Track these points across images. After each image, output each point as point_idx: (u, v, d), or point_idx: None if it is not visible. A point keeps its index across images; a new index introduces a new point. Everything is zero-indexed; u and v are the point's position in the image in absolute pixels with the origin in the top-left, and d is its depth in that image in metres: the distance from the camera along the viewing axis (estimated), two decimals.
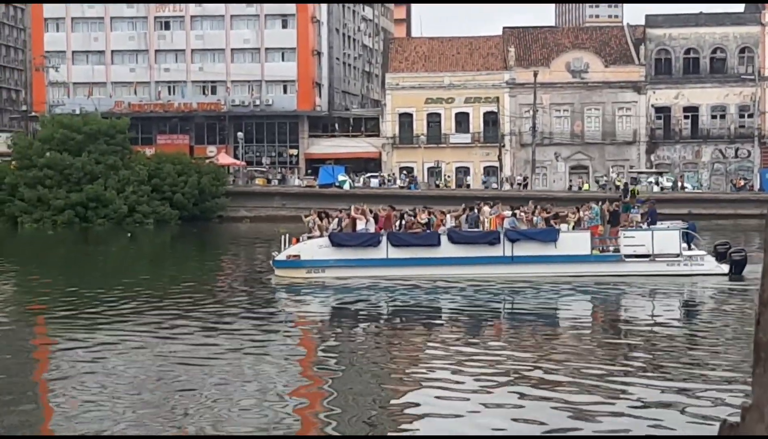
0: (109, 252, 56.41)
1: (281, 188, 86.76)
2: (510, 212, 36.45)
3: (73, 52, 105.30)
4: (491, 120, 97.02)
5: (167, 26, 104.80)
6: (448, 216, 36.73)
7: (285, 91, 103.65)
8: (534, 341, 22.35)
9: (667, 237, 35.22)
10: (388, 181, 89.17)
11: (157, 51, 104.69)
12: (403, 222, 36.34)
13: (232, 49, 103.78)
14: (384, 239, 35.09)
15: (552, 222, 35.80)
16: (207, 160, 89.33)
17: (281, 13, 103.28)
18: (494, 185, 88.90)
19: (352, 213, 36.49)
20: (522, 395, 16.28)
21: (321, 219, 36.84)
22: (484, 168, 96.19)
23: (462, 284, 32.52)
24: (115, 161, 78.19)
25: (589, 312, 29.24)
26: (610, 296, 31.36)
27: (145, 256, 54.80)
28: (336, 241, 35.11)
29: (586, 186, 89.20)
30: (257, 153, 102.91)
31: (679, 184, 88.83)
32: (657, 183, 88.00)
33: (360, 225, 35.75)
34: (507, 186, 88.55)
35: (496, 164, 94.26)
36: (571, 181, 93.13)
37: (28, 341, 24.05)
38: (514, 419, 14.75)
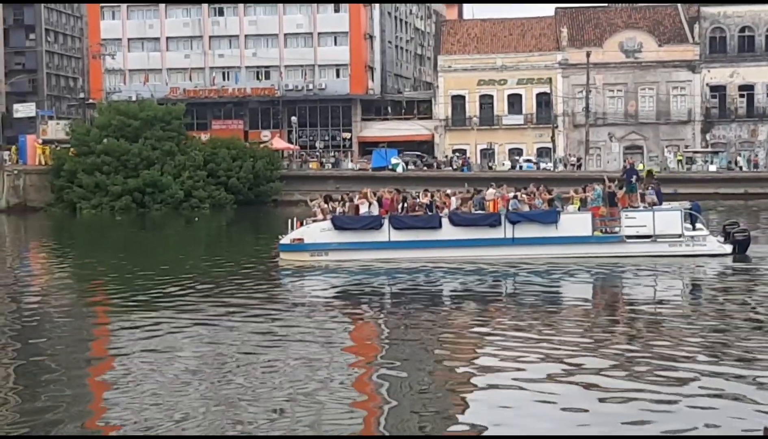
0: (166, 237, 57.23)
1: (335, 172, 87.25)
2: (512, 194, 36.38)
3: (129, 39, 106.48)
4: (544, 101, 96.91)
5: (221, 12, 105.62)
6: (453, 198, 36.71)
7: (338, 76, 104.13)
8: (548, 323, 22.09)
9: (668, 217, 34.84)
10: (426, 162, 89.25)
11: (211, 37, 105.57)
12: (406, 205, 36.33)
13: (285, 34, 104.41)
14: (386, 221, 35.13)
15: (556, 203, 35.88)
16: (261, 145, 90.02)
17: None
18: (521, 166, 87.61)
19: (356, 198, 36.50)
20: (559, 381, 16.33)
21: (327, 202, 36.96)
22: (537, 149, 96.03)
23: (465, 267, 32.50)
24: (171, 147, 79.03)
25: (591, 292, 29.17)
26: (610, 276, 31.12)
27: (201, 240, 55.49)
28: (338, 224, 35.15)
29: (641, 166, 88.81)
30: (311, 137, 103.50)
31: (738, 163, 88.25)
32: (711, 162, 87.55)
33: (363, 208, 35.75)
34: (561, 167, 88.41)
35: (550, 145, 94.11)
36: (625, 161, 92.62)
37: (86, 325, 24.56)
38: (559, 405, 14.86)
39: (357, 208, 35.85)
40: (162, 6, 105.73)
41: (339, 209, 36.18)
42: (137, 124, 79.04)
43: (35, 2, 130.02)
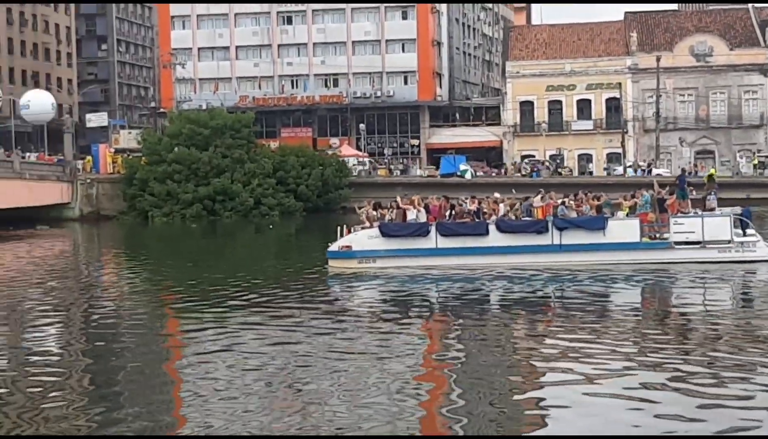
0: (236, 244, 57.69)
1: (403, 179, 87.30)
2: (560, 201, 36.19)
3: (199, 48, 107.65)
4: (613, 106, 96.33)
5: (289, 21, 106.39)
6: (501, 205, 36.50)
7: (405, 82, 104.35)
8: (598, 329, 22.02)
9: (717, 223, 34.45)
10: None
11: (280, 45, 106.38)
12: (453, 212, 36.32)
13: (353, 42, 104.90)
14: (433, 228, 35.11)
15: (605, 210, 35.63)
16: (330, 152, 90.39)
17: (401, 5, 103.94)
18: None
19: (401, 204, 36.46)
20: (635, 387, 16.23)
21: (375, 209, 37.03)
22: (607, 155, 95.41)
23: (512, 273, 32.43)
24: (240, 155, 79.60)
25: (639, 299, 28.92)
26: (659, 283, 30.75)
27: (270, 247, 55.85)
28: (386, 231, 35.19)
29: (712, 170, 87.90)
30: (379, 144, 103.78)
31: None
32: None
33: (410, 215, 35.77)
34: (631, 172, 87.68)
35: (619, 151, 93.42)
36: (695, 165, 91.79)
37: (158, 331, 24.94)
38: (642, 410, 14.79)
39: (404, 214, 35.94)
40: (231, 15, 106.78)
41: (387, 216, 36.32)
42: (207, 132, 79.73)
43: (106, 1, 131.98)
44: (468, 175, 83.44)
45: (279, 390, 16.81)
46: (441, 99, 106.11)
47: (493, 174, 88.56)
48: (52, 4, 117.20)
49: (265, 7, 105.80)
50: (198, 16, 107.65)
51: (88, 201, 79.77)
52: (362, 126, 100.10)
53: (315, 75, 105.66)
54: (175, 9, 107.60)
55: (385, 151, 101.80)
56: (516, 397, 16.11)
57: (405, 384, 17.06)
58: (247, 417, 15.00)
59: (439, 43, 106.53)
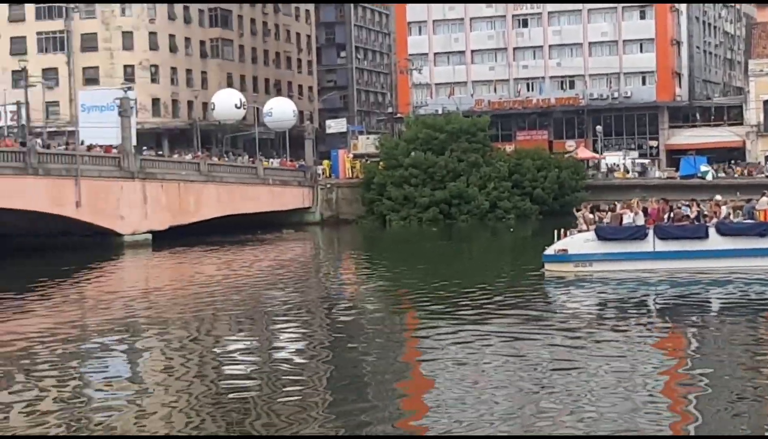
0: (472, 247, 58.06)
1: (641, 180, 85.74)
2: None
3: (435, 53, 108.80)
4: None
5: (525, 23, 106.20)
6: (723, 207, 35.41)
7: (644, 83, 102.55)
8: None
9: None
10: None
11: (515, 49, 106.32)
12: (671, 215, 35.43)
13: (589, 43, 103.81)
14: (650, 231, 34.32)
15: None
16: (566, 155, 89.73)
17: (639, 5, 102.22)
18: None
19: (619, 207, 36.04)
20: None
21: (592, 213, 36.67)
22: None
23: (733, 277, 31.46)
24: (476, 159, 79.97)
25: None
26: None
27: (505, 250, 55.97)
28: (602, 234, 34.68)
29: None
30: (616, 146, 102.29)
31: None
32: None
33: (626, 218, 35.21)
34: None
35: None
36: None
37: (395, 332, 25.52)
38: None
39: (621, 218, 35.49)
40: (467, 19, 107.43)
41: (605, 220, 35.91)
42: (443, 136, 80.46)
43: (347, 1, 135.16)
44: (709, 177, 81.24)
45: (524, 391, 16.97)
46: (680, 99, 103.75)
47: (735, 176, 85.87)
48: (292, 14, 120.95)
49: (500, 10, 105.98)
50: (434, 21, 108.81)
51: (328, 205, 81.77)
52: (599, 128, 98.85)
53: (551, 77, 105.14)
54: (411, 15, 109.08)
55: (622, 153, 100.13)
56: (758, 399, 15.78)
57: (644, 386, 16.99)
58: (496, 419, 15.18)
59: (678, 43, 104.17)
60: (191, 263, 49.38)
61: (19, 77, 77.73)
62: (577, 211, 38.59)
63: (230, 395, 17.61)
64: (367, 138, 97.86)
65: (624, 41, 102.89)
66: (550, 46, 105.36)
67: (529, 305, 28.12)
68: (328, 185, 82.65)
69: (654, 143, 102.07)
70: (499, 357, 20.09)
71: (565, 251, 35.19)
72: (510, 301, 28.79)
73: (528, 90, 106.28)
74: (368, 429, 14.88)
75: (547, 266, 35.47)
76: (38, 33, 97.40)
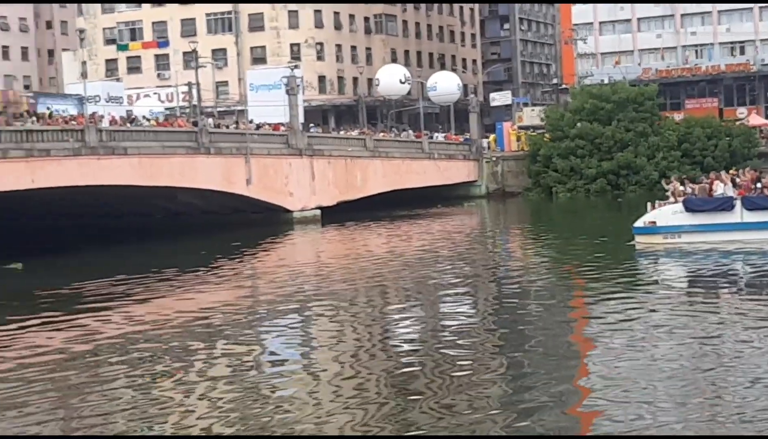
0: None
1: None
2: None
3: (600, 23, 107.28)
4: None
5: None
6: None
7: None
8: None
9: None
10: None
11: (683, 15, 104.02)
12: (760, 185, 34.91)
13: (759, 7, 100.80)
14: (738, 202, 34.05)
15: None
16: (737, 122, 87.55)
17: None
18: None
19: (711, 177, 35.90)
20: None
21: (683, 184, 36.44)
22: None
23: None
24: (644, 128, 78.78)
25: None
26: None
27: None
28: (689, 206, 34.61)
29: None
30: None
31: None
32: None
33: (718, 190, 34.89)
34: None
35: None
36: None
37: (562, 308, 25.56)
38: None
39: (710, 189, 35.35)
40: None
41: (696, 191, 35.65)
42: (610, 106, 79.46)
43: None
44: None
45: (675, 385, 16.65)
46: None
47: None
48: None
49: None
50: None
51: (493, 178, 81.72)
52: None
53: (720, 43, 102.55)
54: None
55: None
56: None
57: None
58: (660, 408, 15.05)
59: None
60: (361, 237, 50.28)
61: (190, 58, 79.53)
62: (668, 183, 38.48)
63: (400, 368, 18.03)
64: (532, 110, 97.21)
65: None
66: (719, 11, 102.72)
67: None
68: (494, 158, 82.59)
69: None
70: (674, 346, 19.47)
71: (654, 223, 35.29)
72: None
73: (696, 57, 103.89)
74: (540, 413, 14.89)
75: (637, 238, 35.62)
76: (207, 14, 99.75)
